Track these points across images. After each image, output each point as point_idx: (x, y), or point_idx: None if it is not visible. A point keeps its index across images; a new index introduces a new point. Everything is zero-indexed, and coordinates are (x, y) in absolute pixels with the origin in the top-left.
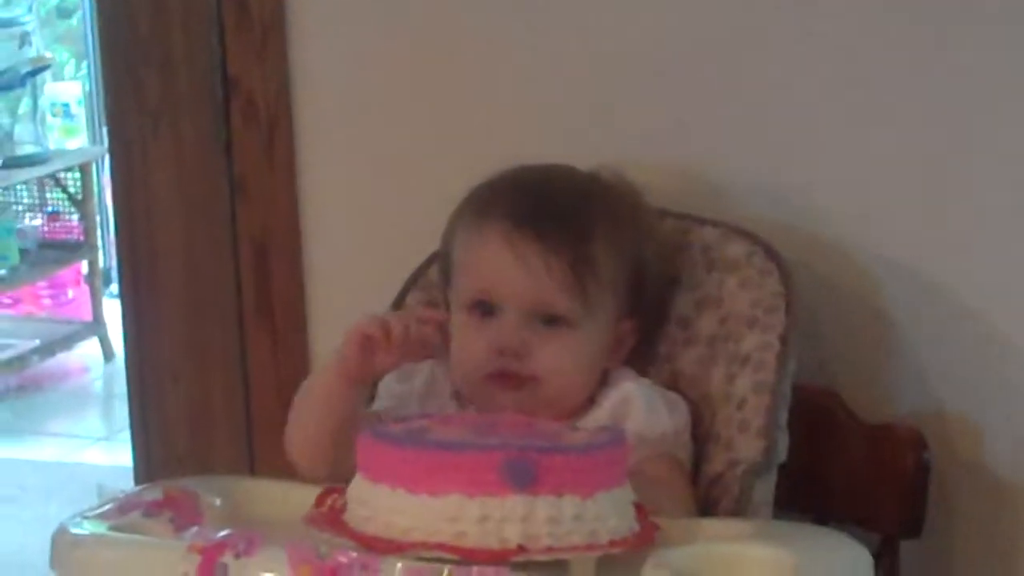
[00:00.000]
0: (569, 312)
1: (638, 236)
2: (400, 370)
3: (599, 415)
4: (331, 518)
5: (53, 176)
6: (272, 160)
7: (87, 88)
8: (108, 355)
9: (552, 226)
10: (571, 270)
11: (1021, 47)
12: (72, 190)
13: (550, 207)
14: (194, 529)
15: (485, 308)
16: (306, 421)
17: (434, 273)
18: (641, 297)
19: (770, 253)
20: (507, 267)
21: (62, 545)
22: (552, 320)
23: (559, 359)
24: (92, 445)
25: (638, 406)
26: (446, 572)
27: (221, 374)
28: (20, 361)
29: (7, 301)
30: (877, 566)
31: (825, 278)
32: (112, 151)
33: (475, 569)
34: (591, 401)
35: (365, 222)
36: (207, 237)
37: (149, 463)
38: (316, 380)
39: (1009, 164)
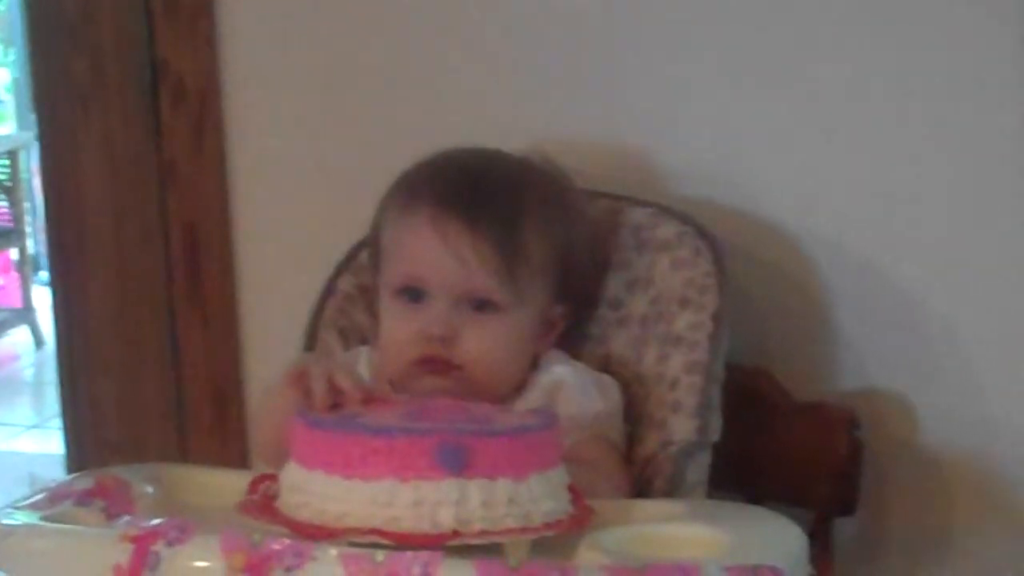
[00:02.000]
0: (498, 297)
1: (567, 221)
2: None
3: (531, 399)
4: (264, 505)
5: None
6: (202, 145)
7: (15, 75)
8: (39, 342)
9: (481, 211)
10: (500, 255)
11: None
12: (1, 177)
13: (479, 191)
14: (126, 518)
15: (413, 294)
16: (265, 428)
17: (365, 257)
18: (571, 282)
19: (702, 233)
20: (435, 253)
21: None
22: (481, 305)
23: (488, 345)
24: (23, 433)
25: (570, 389)
26: (380, 557)
27: (152, 361)
28: None
29: None
30: (811, 544)
31: (758, 258)
32: (41, 137)
33: (409, 554)
34: (523, 385)
35: (295, 207)
36: (137, 223)
37: (80, 451)
38: (271, 393)
39: (944, 143)
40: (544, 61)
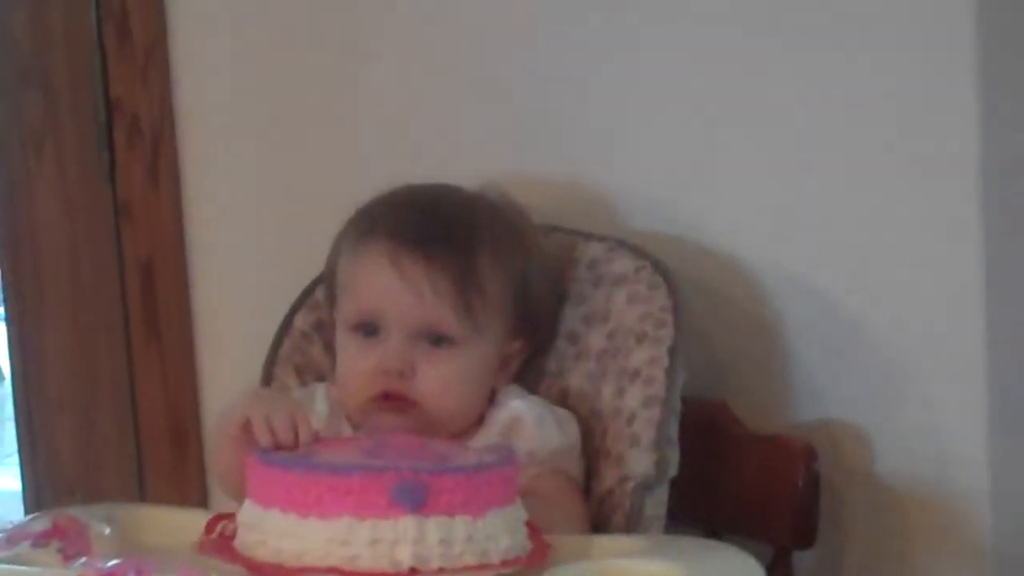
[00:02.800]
0: (455, 332)
1: (523, 255)
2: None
3: (489, 434)
4: (222, 544)
5: None
6: (157, 183)
7: None
8: None
9: (437, 245)
10: (456, 289)
11: (910, 68)
12: None
13: (434, 226)
14: (83, 559)
15: (369, 328)
16: (220, 460)
17: (321, 294)
18: (527, 316)
19: (658, 267)
20: (391, 287)
21: None
22: (438, 340)
23: (445, 379)
24: None
25: (528, 424)
26: None
27: (109, 399)
28: None
29: None
30: None
31: (714, 290)
32: None
33: None
34: (480, 421)
35: (251, 244)
36: (93, 261)
37: (38, 489)
38: (217, 435)
39: (900, 172)
40: (499, 97)
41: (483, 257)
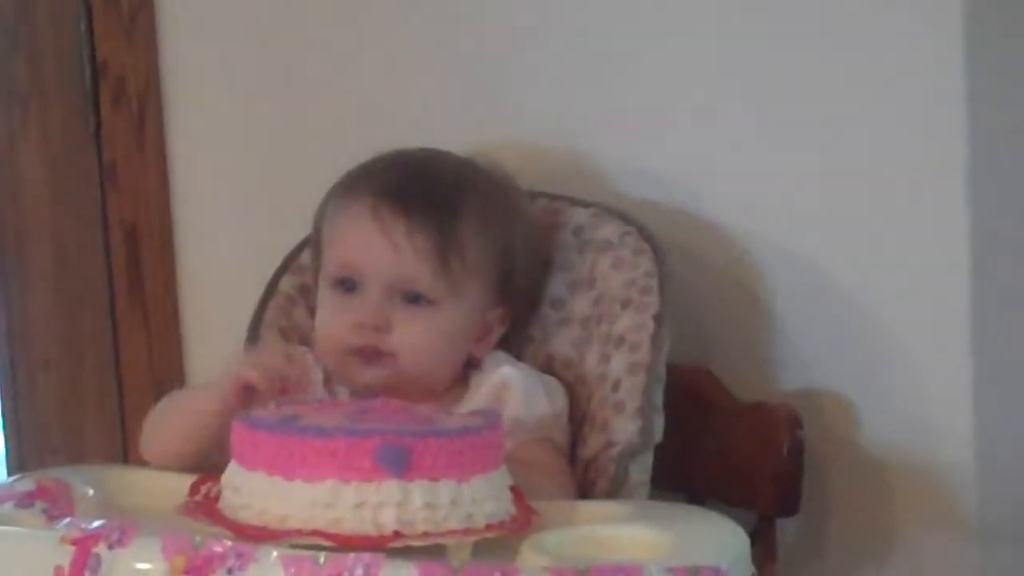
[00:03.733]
0: (431, 290)
1: (508, 223)
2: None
3: (476, 399)
4: (206, 507)
5: None
6: (142, 146)
7: None
8: None
9: (419, 203)
10: (435, 247)
11: (902, 42)
12: None
13: (419, 185)
14: (67, 520)
15: (348, 284)
16: (172, 434)
17: (306, 257)
18: (511, 285)
19: (643, 233)
20: (371, 241)
21: None
22: (414, 298)
23: (419, 337)
24: None
25: (516, 390)
26: (322, 559)
27: (93, 363)
28: None
29: None
30: (754, 544)
31: (699, 257)
32: None
33: (351, 555)
34: (466, 385)
35: (237, 207)
36: (77, 224)
37: (21, 452)
38: (190, 401)
39: (887, 143)
40: (486, 63)
41: (465, 218)
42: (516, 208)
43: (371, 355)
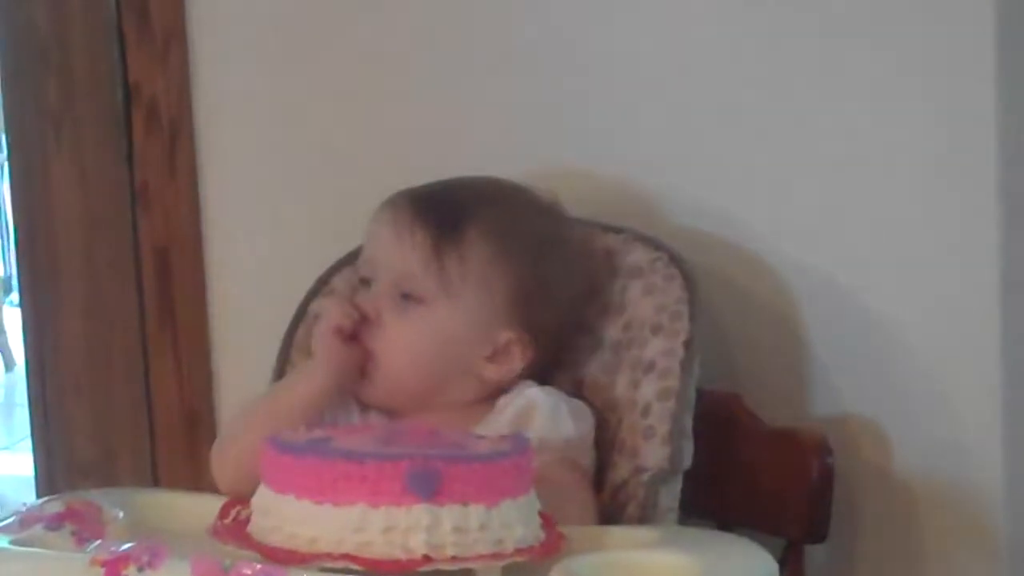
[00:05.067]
0: (421, 286)
1: (534, 249)
2: None
3: (500, 420)
4: (235, 530)
5: None
6: (174, 169)
7: None
8: (8, 364)
9: (433, 203)
10: (431, 241)
11: (931, 62)
12: None
13: (443, 194)
14: (97, 542)
15: (366, 282)
16: (274, 426)
17: (337, 282)
18: (530, 312)
19: (673, 259)
20: (382, 235)
21: None
22: (408, 296)
23: (403, 336)
24: None
25: (542, 412)
26: None
27: (124, 385)
28: None
29: None
30: (782, 571)
31: (730, 283)
32: (11, 160)
33: None
34: (492, 406)
35: (267, 231)
36: (109, 246)
37: (51, 475)
38: (293, 387)
39: (920, 168)
40: (521, 89)
41: (474, 227)
42: (553, 238)
43: (360, 344)
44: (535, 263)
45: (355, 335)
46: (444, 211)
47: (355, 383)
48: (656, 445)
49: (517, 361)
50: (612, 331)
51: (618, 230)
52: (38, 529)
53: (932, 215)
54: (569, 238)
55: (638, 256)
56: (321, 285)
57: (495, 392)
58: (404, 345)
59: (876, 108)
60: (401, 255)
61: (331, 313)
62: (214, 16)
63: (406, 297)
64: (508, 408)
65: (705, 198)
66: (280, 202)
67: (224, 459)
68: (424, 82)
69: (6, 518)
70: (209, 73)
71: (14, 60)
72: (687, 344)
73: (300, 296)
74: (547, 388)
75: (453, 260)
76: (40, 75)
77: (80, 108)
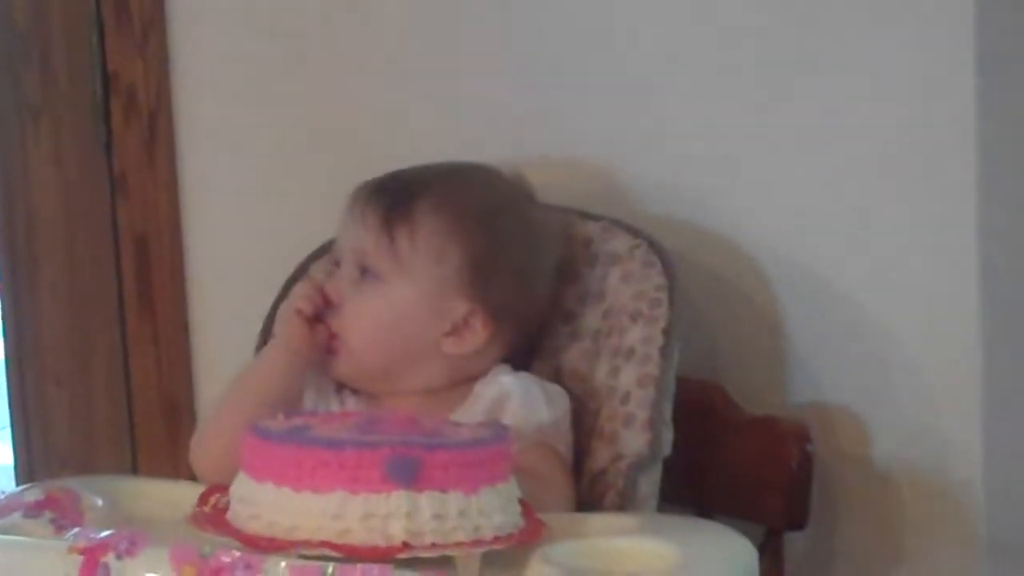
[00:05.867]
0: (376, 262)
1: (487, 220)
2: None
3: (475, 408)
4: (214, 517)
5: None
6: (153, 157)
7: None
8: None
9: (390, 184)
10: (383, 220)
11: (912, 50)
12: None
13: (398, 176)
14: (76, 530)
15: (336, 263)
16: (246, 410)
17: (316, 270)
18: (486, 284)
19: (653, 246)
20: (345, 218)
21: None
22: (364, 270)
23: (360, 313)
24: None
25: (515, 400)
26: (331, 570)
27: (103, 373)
28: None
29: None
30: (762, 558)
31: (710, 271)
32: None
33: (360, 567)
34: (470, 392)
35: (247, 220)
36: (88, 236)
37: (30, 463)
38: (257, 368)
39: (896, 155)
40: (499, 76)
41: (424, 201)
42: (507, 209)
43: (326, 327)
44: (486, 233)
45: (320, 317)
46: (395, 190)
47: (324, 363)
48: (635, 432)
49: (479, 335)
50: (591, 319)
51: (597, 218)
52: (17, 517)
53: (912, 201)
54: (524, 210)
55: (617, 243)
56: (300, 273)
57: (468, 376)
58: (362, 321)
59: (857, 97)
60: (357, 236)
61: (292, 296)
62: (193, 4)
63: (364, 276)
64: (483, 395)
65: (685, 186)
66: (259, 191)
67: (203, 448)
68: (405, 72)
69: None
70: (188, 61)
71: None
72: (666, 331)
73: (279, 285)
74: (520, 374)
75: (404, 235)
76: (19, 64)
77: (59, 97)
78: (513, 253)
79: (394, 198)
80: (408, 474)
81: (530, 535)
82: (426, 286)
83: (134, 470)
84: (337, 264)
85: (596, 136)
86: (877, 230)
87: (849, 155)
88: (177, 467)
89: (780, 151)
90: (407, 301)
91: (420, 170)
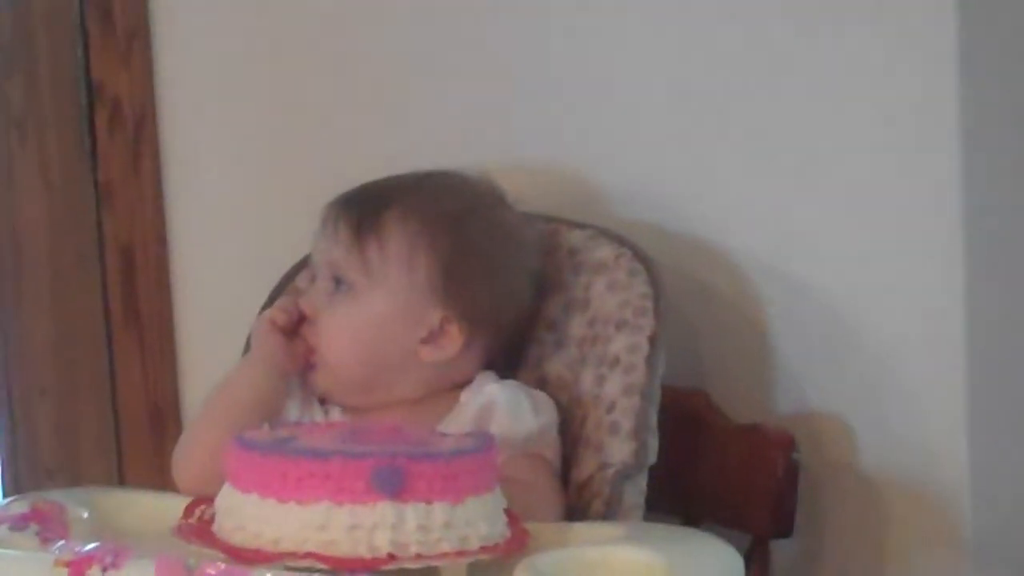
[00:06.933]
0: (347, 272)
1: (456, 225)
2: None
3: (462, 418)
4: (200, 529)
5: None
6: (138, 168)
7: None
8: None
9: (354, 198)
10: (352, 229)
11: (892, 54)
12: None
13: (368, 188)
14: (61, 543)
15: (313, 279)
16: (226, 424)
17: (300, 280)
18: (459, 288)
19: (638, 255)
20: (318, 234)
21: None
22: (338, 282)
23: (336, 325)
24: None
25: (502, 409)
26: None
27: (89, 386)
28: None
29: None
30: (748, 566)
31: (696, 279)
32: None
33: None
34: (456, 402)
35: (232, 230)
36: (73, 245)
37: (16, 476)
38: (234, 382)
39: (882, 162)
40: (483, 84)
41: (392, 211)
42: (475, 213)
43: (305, 344)
44: (455, 238)
45: (298, 332)
46: (364, 201)
47: (304, 377)
48: (621, 441)
49: (455, 341)
50: (576, 327)
51: (582, 226)
52: (3, 529)
53: (896, 210)
54: (493, 213)
55: (602, 252)
56: (286, 282)
57: (450, 385)
58: (338, 333)
59: (838, 100)
60: (329, 249)
61: (269, 310)
62: (177, 15)
63: (338, 289)
64: (469, 405)
65: (668, 194)
66: (245, 200)
67: (184, 462)
68: (385, 80)
69: None
70: (172, 71)
71: None
72: (652, 340)
73: (265, 294)
74: (507, 382)
75: (373, 245)
76: (3, 74)
77: (44, 107)
78: (483, 256)
79: (363, 209)
80: (393, 484)
81: (515, 545)
82: (399, 295)
83: (120, 480)
84: (313, 279)
85: (579, 143)
86: (863, 238)
87: (834, 162)
88: (163, 477)
89: (767, 161)
90: (381, 311)
91: (388, 181)
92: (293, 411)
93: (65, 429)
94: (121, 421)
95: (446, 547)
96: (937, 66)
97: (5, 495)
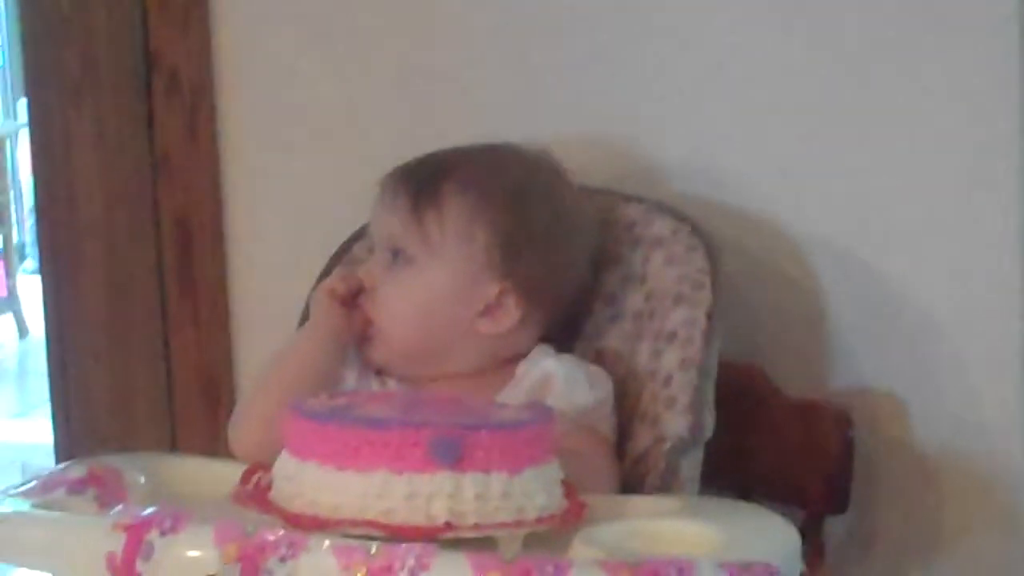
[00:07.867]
0: (407, 245)
1: (516, 198)
2: None
3: (518, 390)
4: (257, 496)
5: None
6: (195, 137)
7: (1, 63)
8: (23, 332)
9: (413, 170)
10: (411, 203)
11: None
12: None
13: (426, 160)
14: (119, 507)
15: (371, 250)
16: (284, 392)
17: (357, 250)
18: (517, 263)
19: (696, 230)
20: (376, 206)
21: None
22: (396, 254)
23: (395, 297)
24: (7, 422)
25: (558, 382)
26: (374, 549)
27: (143, 353)
28: None
29: None
30: (803, 542)
31: (753, 255)
32: (31, 128)
33: (403, 546)
34: (512, 374)
35: (288, 199)
36: (128, 215)
37: (70, 441)
38: (293, 351)
39: (939, 138)
40: (540, 59)
41: (450, 183)
42: (533, 186)
43: (362, 312)
44: (514, 210)
45: (356, 303)
46: (423, 173)
47: (361, 348)
48: (677, 415)
49: (512, 314)
50: (633, 301)
51: (640, 200)
52: (60, 493)
53: (956, 188)
54: (551, 186)
55: (660, 226)
56: (343, 253)
57: (507, 357)
58: (396, 305)
59: (898, 77)
60: (387, 221)
61: (328, 279)
62: None
63: (396, 260)
64: (526, 378)
65: (722, 168)
66: (301, 170)
67: (241, 430)
68: (446, 50)
69: (28, 482)
70: (230, 40)
71: (34, 28)
72: (709, 314)
73: (320, 264)
74: (563, 356)
75: (432, 217)
76: (61, 42)
77: (100, 75)
78: (541, 229)
79: (421, 181)
80: (451, 454)
81: (572, 516)
82: (457, 267)
83: (173, 448)
84: (372, 251)
85: (638, 118)
86: (920, 216)
87: (894, 140)
88: (216, 445)
89: (826, 138)
90: (439, 283)
91: (447, 153)
92: (350, 381)
93: (119, 397)
94: (174, 389)
95: (503, 517)
96: (1000, 58)
97: (58, 461)
